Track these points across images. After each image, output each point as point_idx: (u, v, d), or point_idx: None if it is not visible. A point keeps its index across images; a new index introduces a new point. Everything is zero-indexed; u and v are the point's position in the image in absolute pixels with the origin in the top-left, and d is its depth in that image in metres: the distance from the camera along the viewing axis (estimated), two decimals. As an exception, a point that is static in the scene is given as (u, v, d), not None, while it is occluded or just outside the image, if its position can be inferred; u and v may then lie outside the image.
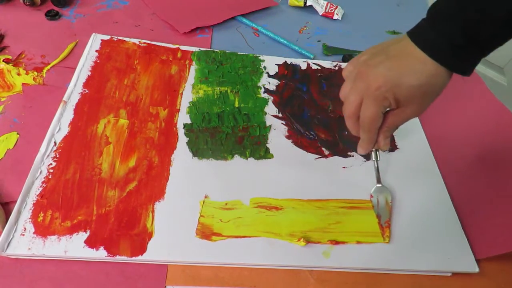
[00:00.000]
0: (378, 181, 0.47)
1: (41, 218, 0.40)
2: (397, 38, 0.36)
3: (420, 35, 0.34)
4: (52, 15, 0.62)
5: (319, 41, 0.68)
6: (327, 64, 0.63)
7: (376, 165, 0.47)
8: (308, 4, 0.73)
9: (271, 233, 0.42)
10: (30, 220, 0.39)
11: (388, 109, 0.37)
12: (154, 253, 0.39)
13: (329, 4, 0.73)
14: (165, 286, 0.38)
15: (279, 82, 0.59)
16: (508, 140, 0.56)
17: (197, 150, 0.48)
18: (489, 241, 0.44)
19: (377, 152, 0.44)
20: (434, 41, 0.33)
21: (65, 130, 0.47)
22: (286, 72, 0.60)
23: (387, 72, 0.35)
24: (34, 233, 0.39)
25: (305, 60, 0.63)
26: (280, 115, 0.54)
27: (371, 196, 0.47)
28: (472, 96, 0.63)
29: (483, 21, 0.31)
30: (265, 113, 0.54)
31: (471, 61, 0.34)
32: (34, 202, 0.41)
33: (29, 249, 0.38)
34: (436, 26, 0.33)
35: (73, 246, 0.38)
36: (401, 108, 0.36)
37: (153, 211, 0.42)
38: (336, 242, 0.42)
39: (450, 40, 0.32)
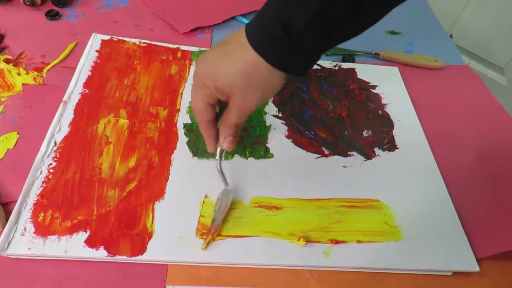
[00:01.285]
0: (226, 183, 0.43)
1: (41, 218, 0.40)
2: (241, 28, 0.34)
3: (250, 24, 0.33)
4: (52, 15, 0.62)
5: (319, 41, 0.68)
6: (327, 64, 0.63)
7: (218, 166, 0.42)
8: (308, 4, 0.73)
9: (271, 232, 0.42)
10: (30, 220, 0.39)
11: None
12: (154, 253, 0.39)
13: (329, 4, 0.73)
14: (165, 286, 0.38)
15: (279, 82, 0.59)
16: (507, 140, 0.57)
17: (197, 150, 0.48)
18: (490, 240, 0.44)
19: (222, 152, 0.41)
20: (254, 28, 0.32)
21: (65, 130, 0.47)
22: (286, 72, 0.60)
23: (210, 59, 0.34)
24: (34, 233, 0.39)
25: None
26: (280, 114, 0.54)
27: (218, 199, 0.43)
28: (472, 96, 0.63)
29: (297, 14, 0.30)
30: (265, 113, 0.54)
31: (294, 57, 0.32)
32: (34, 202, 0.41)
33: (29, 249, 0.38)
34: (260, 14, 0.33)
35: (73, 246, 0.38)
36: (230, 99, 0.35)
37: (153, 211, 0.42)
38: (336, 242, 0.42)
39: (268, 29, 0.31)
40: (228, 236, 0.41)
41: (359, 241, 0.42)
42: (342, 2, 0.30)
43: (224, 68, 0.33)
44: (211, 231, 0.40)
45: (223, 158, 0.41)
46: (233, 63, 0.33)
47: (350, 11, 0.30)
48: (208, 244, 0.40)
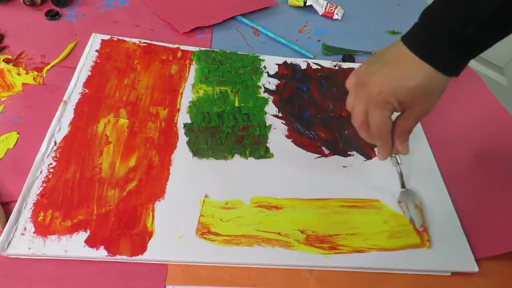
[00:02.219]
0: (403, 185, 0.46)
1: (41, 217, 0.40)
2: (392, 44, 0.37)
3: (412, 39, 0.35)
4: (52, 15, 0.62)
5: (319, 41, 0.68)
6: (327, 63, 0.63)
7: (398, 170, 0.46)
8: (308, 3, 0.73)
9: (271, 232, 0.42)
10: (30, 219, 0.39)
11: (398, 114, 0.39)
12: (154, 252, 0.39)
13: (329, 4, 0.73)
14: (165, 286, 0.38)
15: (279, 82, 0.59)
16: (507, 140, 0.57)
17: (197, 150, 0.48)
18: (489, 240, 0.45)
19: (397, 157, 0.44)
20: (423, 43, 0.34)
21: (65, 129, 0.47)
22: (286, 71, 0.60)
23: (384, 77, 0.36)
24: (34, 232, 0.39)
25: (305, 59, 0.63)
26: (280, 114, 0.54)
27: (399, 201, 0.46)
28: (472, 97, 0.63)
29: (466, 22, 0.32)
30: (265, 113, 0.54)
31: (459, 61, 0.35)
32: (35, 201, 0.41)
33: (30, 248, 0.38)
34: (425, 29, 0.35)
35: (73, 246, 0.38)
36: (407, 110, 0.37)
37: (153, 211, 0.42)
38: (335, 248, 0.42)
39: (438, 42, 0.33)
40: (228, 235, 0.41)
41: (357, 251, 0.42)
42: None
43: (405, 84, 0.35)
44: (421, 230, 0.43)
45: (400, 162, 0.44)
46: (412, 79, 0.35)
47: None
48: (429, 241, 0.43)
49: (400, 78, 0.35)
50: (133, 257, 0.38)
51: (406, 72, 0.35)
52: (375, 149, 0.52)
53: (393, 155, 0.43)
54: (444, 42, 0.33)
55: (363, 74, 0.38)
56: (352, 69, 0.63)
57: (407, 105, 0.37)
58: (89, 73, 0.54)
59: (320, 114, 0.55)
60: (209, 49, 0.62)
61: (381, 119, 0.38)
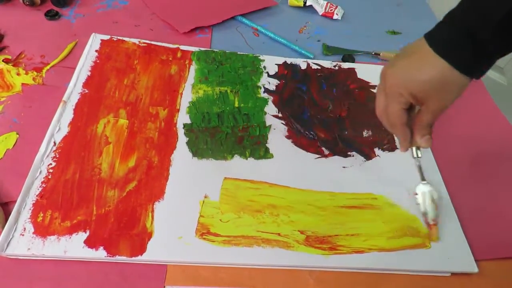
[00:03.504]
0: (422, 178, 0.46)
1: (40, 218, 0.40)
2: (417, 39, 0.38)
3: (432, 35, 0.36)
4: (52, 15, 0.62)
5: (319, 41, 0.68)
6: (327, 64, 0.63)
7: (418, 163, 0.45)
8: (308, 4, 0.73)
9: (270, 233, 0.42)
10: (29, 220, 0.39)
11: (417, 107, 0.39)
12: (153, 253, 0.39)
13: (329, 4, 0.73)
14: (164, 286, 0.38)
15: (279, 82, 0.59)
16: (505, 141, 0.57)
17: (197, 150, 0.48)
18: (488, 241, 0.45)
19: (417, 150, 0.44)
20: (441, 40, 0.35)
21: (64, 130, 0.47)
22: (286, 72, 0.60)
23: (400, 69, 0.37)
24: (33, 233, 0.39)
25: (305, 60, 0.63)
26: (280, 115, 0.54)
27: (415, 193, 0.46)
28: (471, 96, 0.63)
29: (482, 23, 0.33)
30: (265, 113, 0.54)
31: (476, 62, 0.35)
32: (34, 202, 0.41)
33: (29, 249, 0.38)
34: (445, 27, 0.36)
35: (73, 246, 0.38)
36: (424, 104, 0.38)
37: (152, 211, 0.42)
38: (335, 248, 0.42)
39: (456, 40, 0.34)
40: (227, 236, 0.41)
41: (357, 251, 0.42)
42: None
43: (418, 77, 0.36)
44: (431, 224, 0.43)
45: (420, 155, 0.44)
46: (425, 72, 0.35)
47: None
48: (437, 236, 0.43)
49: (414, 71, 0.36)
50: (133, 258, 0.38)
51: (421, 66, 0.36)
52: (375, 149, 0.52)
53: (413, 147, 0.43)
54: (462, 40, 0.34)
55: (386, 65, 0.39)
56: (352, 69, 0.63)
57: (422, 98, 0.37)
58: (89, 73, 0.54)
59: (320, 114, 0.55)
60: (208, 49, 0.62)
61: (394, 110, 0.39)
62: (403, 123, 0.40)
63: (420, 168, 0.46)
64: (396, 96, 0.38)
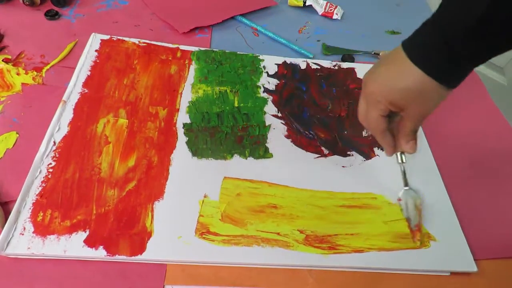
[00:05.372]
0: (405, 184, 0.46)
1: (40, 217, 0.40)
2: (396, 47, 0.37)
3: (409, 42, 0.36)
4: (52, 15, 0.62)
5: (318, 40, 0.68)
6: (327, 63, 0.63)
7: (402, 168, 0.46)
8: (307, 3, 0.73)
9: (270, 232, 0.42)
10: (29, 219, 0.39)
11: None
12: (153, 252, 0.39)
13: (328, 3, 0.73)
14: (164, 286, 0.38)
15: (278, 82, 0.59)
16: (504, 142, 0.57)
17: (196, 150, 0.48)
18: (488, 241, 0.45)
19: (402, 155, 0.44)
20: (417, 47, 0.35)
21: (64, 129, 0.47)
22: (286, 71, 0.60)
23: (379, 77, 0.37)
24: (33, 232, 0.39)
25: (305, 59, 0.63)
26: (279, 114, 0.54)
27: (399, 199, 0.46)
28: (471, 96, 0.63)
29: (455, 29, 0.32)
30: (265, 113, 0.54)
31: (452, 70, 0.34)
32: (34, 201, 0.41)
33: (29, 248, 0.38)
34: (420, 34, 0.35)
35: (73, 246, 0.38)
36: (404, 112, 0.38)
37: (152, 211, 0.42)
38: (334, 248, 0.42)
39: (430, 48, 0.33)
40: (227, 235, 0.41)
41: (357, 251, 0.42)
42: (506, 12, 0.29)
43: (395, 85, 0.36)
44: (414, 229, 0.44)
45: (404, 161, 0.44)
46: (402, 81, 0.35)
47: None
48: (420, 239, 0.43)
49: (392, 80, 0.36)
50: (132, 257, 0.39)
51: (398, 74, 0.35)
52: (375, 149, 0.53)
53: (398, 153, 0.44)
54: (436, 48, 0.33)
55: (367, 72, 0.39)
56: (351, 69, 0.63)
57: (401, 106, 0.37)
58: (89, 73, 0.54)
59: (319, 114, 0.55)
60: (208, 49, 0.62)
61: (373, 117, 0.39)
62: (383, 129, 0.40)
63: (404, 174, 0.46)
64: (375, 104, 0.38)
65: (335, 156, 0.51)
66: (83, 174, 0.44)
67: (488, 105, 0.62)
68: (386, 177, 0.49)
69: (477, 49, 0.32)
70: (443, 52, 0.33)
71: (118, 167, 0.45)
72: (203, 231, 0.41)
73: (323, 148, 0.52)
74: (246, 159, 0.49)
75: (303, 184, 0.47)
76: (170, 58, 0.59)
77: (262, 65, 0.60)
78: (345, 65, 0.63)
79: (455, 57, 0.33)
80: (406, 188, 0.46)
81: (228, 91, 0.56)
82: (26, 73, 0.53)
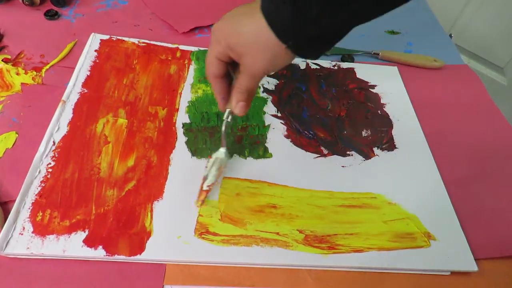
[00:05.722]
0: (223, 144, 0.44)
1: (39, 217, 0.40)
2: None
3: None
4: (51, 15, 0.62)
5: (318, 40, 0.68)
6: (326, 63, 0.63)
7: (224, 127, 0.43)
8: (307, 3, 0.73)
9: (269, 232, 0.42)
10: (28, 219, 0.39)
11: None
12: (152, 252, 0.39)
13: (328, 3, 0.73)
14: (163, 285, 0.38)
15: (278, 82, 0.59)
16: (504, 141, 0.57)
17: (196, 150, 0.48)
18: (488, 240, 0.45)
19: (229, 114, 0.41)
20: None
21: (64, 129, 0.47)
22: (285, 71, 0.60)
23: (229, 17, 0.36)
24: (32, 232, 0.39)
25: (304, 59, 0.63)
26: (279, 114, 0.54)
27: (209, 156, 0.45)
28: (471, 96, 0.63)
29: None
30: (264, 113, 0.54)
31: (294, 26, 0.32)
32: (33, 201, 0.41)
33: (28, 248, 0.38)
34: None
35: (72, 245, 0.38)
36: (240, 61, 0.36)
37: (151, 211, 0.42)
38: (334, 248, 0.42)
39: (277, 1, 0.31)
40: (226, 235, 0.41)
41: (356, 251, 0.42)
42: None
43: (237, 28, 0.34)
44: (205, 189, 0.42)
45: (229, 120, 0.42)
46: (245, 24, 0.34)
47: None
48: (202, 202, 0.42)
49: (236, 22, 0.35)
50: (132, 257, 0.38)
51: (243, 17, 0.34)
52: (374, 149, 0.53)
53: (227, 110, 0.41)
54: (284, 0, 0.31)
55: (224, 14, 0.37)
56: (351, 69, 0.63)
57: (238, 53, 0.35)
58: (88, 73, 0.54)
59: (319, 114, 0.55)
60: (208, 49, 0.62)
61: (208, 57, 0.38)
62: (214, 73, 0.39)
63: (225, 133, 0.43)
64: (215, 43, 0.36)
65: (335, 156, 0.51)
66: (83, 174, 0.44)
67: (488, 105, 0.62)
68: (385, 177, 0.49)
69: (322, 10, 0.30)
70: (287, 6, 0.31)
71: (117, 167, 0.45)
72: (203, 231, 0.41)
73: (322, 148, 0.52)
74: (246, 159, 0.49)
75: (302, 184, 0.47)
76: (169, 58, 0.59)
77: (261, 65, 0.60)
78: (344, 65, 0.63)
79: (300, 14, 0.31)
80: (223, 149, 0.44)
81: (227, 91, 0.56)
82: (26, 73, 0.53)
